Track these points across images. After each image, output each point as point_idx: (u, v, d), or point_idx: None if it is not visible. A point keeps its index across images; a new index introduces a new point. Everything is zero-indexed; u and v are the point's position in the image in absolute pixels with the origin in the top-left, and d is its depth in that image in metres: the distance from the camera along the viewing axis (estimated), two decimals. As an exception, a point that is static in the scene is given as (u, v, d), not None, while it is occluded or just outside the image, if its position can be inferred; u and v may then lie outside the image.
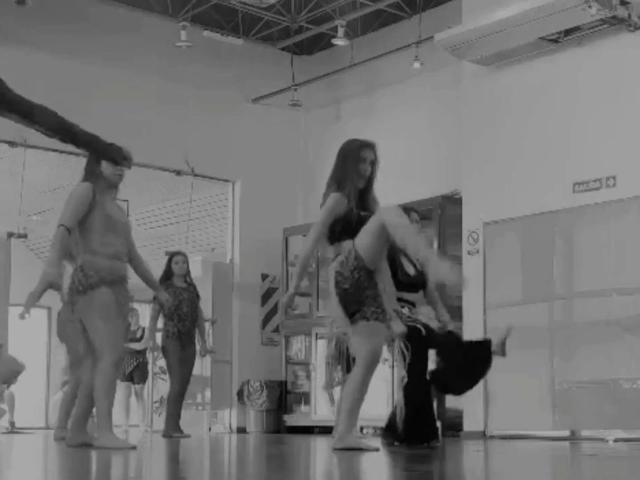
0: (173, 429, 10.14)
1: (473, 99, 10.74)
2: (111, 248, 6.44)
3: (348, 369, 9.65)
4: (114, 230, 6.50)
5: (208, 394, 13.27)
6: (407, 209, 9.55)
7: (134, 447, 6.13)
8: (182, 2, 12.32)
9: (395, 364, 9.88)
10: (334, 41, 12.40)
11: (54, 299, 8.21)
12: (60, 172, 13.31)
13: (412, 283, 7.40)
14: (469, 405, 10.31)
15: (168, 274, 10.39)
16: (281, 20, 12.78)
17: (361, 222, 5.87)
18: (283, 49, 13.51)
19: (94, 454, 5.56)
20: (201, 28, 12.48)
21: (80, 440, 6.43)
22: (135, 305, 14.24)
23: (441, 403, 10.79)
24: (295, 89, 13.16)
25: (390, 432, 7.15)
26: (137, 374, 13.87)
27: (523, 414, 9.86)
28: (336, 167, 6.15)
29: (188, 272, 10.54)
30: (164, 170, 12.84)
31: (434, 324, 7.25)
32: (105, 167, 6.54)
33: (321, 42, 13.48)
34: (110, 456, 5.33)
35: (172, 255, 10.56)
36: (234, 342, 13.15)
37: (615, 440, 8.68)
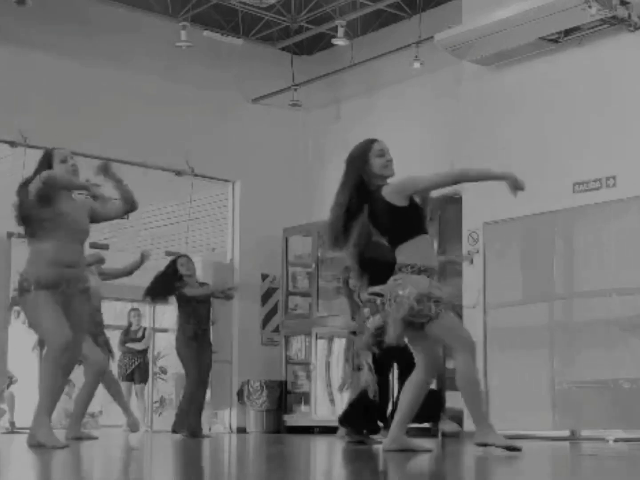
0: (180, 427, 10.15)
1: (473, 99, 10.74)
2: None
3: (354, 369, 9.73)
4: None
5: (208, 394, 13.25)
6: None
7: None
8: (182, 2, 12.32)
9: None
10: (334, 41, 12.40)
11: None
12: (60, 172, 13.28)
13: None
14: (469, 405, 10.30)
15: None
16: (281, 20, 12.78)
17: None
18: (283, 49, 13.51)
19: (92, 454, 5.56)
20: (201, 28, 12.48)
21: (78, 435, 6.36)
22: (136, 306, 14.25)
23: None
24: (295, 89, 13.15)
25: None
26: (138, 374, 13.87)
27: (523, 414, 9.86)
28: None
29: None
30: (164, 170, 12.84)
31: None
32: (57, 167, 6.40)
33: (321, 42, 13.48)
34: (109, 456, 5.33)
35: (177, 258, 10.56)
36: (234, 342, 13.15)
37: (615, 440, 8.68)
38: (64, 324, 6.19)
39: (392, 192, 5.54)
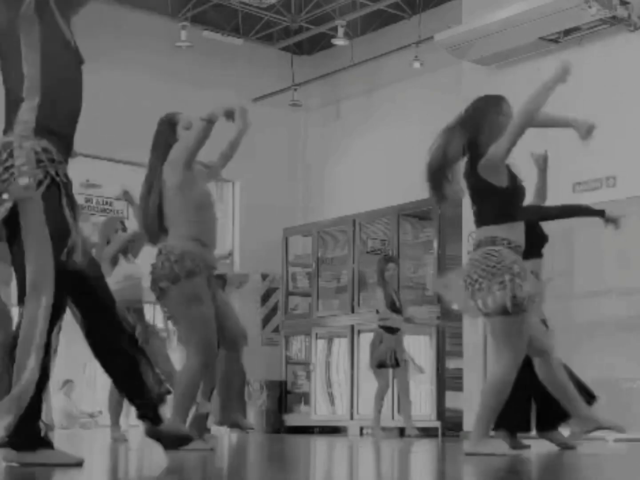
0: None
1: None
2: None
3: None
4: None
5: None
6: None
7: None
8: (182, 2, 12.33)
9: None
10: (334, 41, 12.41)
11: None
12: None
13: None
14: (469, 405, 10.30)
15: None
16: (281, 20, 12.79)
17: None
18: (283, 49, 13.51)
19: (95, 454, 5.55)
20: (201, 28, 12.49)
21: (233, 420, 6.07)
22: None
23: (441, 403, 10.80)
24: (295, 89, 13.16)
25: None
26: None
27: (523, 414, 9.83)
28: None
29: None
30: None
31: None
32: (182, 133, 6.06)
33: (321, 42, 13.48)
34: (109, 456, 5.33)
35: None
36: (234, 342, 13.14)
37: (615, 440, 8.67)
38: None
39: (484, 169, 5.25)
